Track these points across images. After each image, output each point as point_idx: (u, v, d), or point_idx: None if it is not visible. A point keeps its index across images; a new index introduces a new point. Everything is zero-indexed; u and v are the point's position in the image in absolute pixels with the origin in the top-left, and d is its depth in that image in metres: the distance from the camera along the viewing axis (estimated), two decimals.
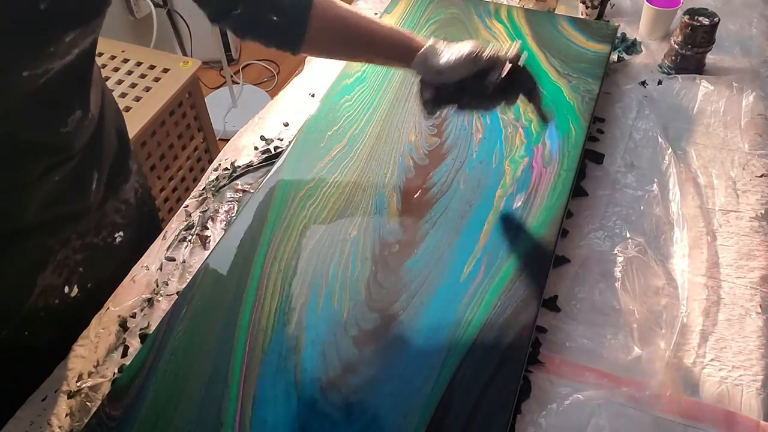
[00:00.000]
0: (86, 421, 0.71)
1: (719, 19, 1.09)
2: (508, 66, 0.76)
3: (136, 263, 0.90)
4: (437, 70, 0.77)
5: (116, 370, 0.79)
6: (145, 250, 0.92)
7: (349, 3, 1.43)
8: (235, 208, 0.97)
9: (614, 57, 1.19)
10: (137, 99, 1.39)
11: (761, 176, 0.97)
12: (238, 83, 2.39)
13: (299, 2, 0.76)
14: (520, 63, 0.77)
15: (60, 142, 0.71)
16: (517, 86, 0.78)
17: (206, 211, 0.98)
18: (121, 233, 0.90)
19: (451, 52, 0.77)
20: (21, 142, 0.66)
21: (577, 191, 0.95)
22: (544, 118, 0.81)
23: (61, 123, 0.69)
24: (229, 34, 2.38)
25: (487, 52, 0.76)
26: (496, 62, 0.76)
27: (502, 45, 0.78)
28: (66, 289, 0.83)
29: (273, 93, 2.32)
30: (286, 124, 1.11)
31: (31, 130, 0.67)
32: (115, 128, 0.87)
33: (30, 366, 0.79)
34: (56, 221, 0.78)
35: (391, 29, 0.81)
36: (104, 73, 1.45)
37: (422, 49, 0.78)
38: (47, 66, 0.61)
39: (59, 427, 0.74)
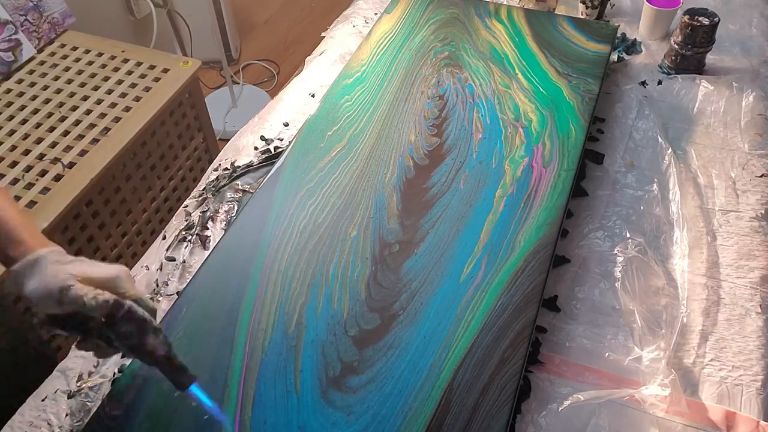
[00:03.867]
0: (86, 421, 0.71)
1: (719, 19, 1.09)
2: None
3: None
4: (25, 295, 0.60)
5: (116, 370, 0.79)
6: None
7: (349, 3, 1.44)
8: (235, 208, 0.98)
9: (614, 57, 1.19)
10: (137, 99, 1.39)
11: (761, 176, 0.97)
12: (238, 83, 2.39)
13: None
14: (121, 312, 0.59)
15: None
16: (122, 337, 0.60)
17: (206, 211, 0.98)
18: None
19: (39, 280, 0.59)
20: None
21: (577, 191, 0.95)
22: (179, 384, 0.63)
23: None
24: (230, 34, 2.38)
25: (72, 295, 0.58)
26: (87, 307, 0.58)
27: (98, 290, 0.59)
28: None
29: (273, 93, 2.31)
30: (286, 124, 1.11)
31: None
32: None
33: None
34: None
35: (6, 223, 0.62)
36: (104, 73, 1.45)
37: (15, 266, 0.60)
38: None
39: (59, 427, 0.74)
